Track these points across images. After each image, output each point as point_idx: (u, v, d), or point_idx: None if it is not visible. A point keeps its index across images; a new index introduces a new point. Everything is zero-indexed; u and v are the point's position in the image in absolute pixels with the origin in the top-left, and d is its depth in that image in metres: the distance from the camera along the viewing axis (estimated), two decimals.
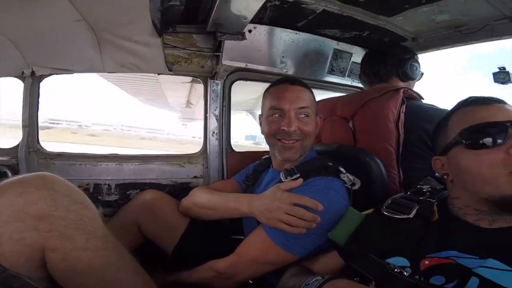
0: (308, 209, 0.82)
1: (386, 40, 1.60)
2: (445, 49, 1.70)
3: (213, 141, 1.53)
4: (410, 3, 1.25)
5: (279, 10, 1.36)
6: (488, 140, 0.61)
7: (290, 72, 1.60)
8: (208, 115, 1.53)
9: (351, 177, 0.93)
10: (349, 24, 1.47)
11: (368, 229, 0.76)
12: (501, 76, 1.73)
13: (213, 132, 1.53)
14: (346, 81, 1.78)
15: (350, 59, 1.69)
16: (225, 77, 1.53)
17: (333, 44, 1.64)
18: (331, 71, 1.69)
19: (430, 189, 0.79)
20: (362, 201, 0.89)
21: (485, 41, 1.60)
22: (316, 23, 1.48)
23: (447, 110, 0.78)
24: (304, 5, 1.31)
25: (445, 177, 0.72)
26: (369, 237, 0.74)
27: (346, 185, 0.93)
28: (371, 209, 0.82)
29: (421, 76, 1.32)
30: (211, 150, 1.53)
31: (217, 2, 1.10)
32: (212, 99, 1.51)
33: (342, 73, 1.72)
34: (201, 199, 1.07)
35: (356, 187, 0.93)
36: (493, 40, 1.54)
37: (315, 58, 1.62)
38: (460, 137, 0.66)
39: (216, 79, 1.50)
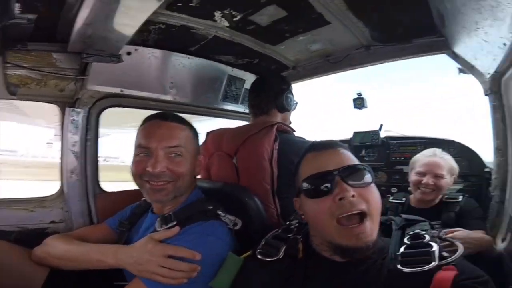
0: (186, 258, 0.76)
1: (273, 67, 1.68)
2: (317, 77, 1.87)
3: (73, 182, 1.28)
4: (290, 32, 1.36)
5: (165, 33, 1.25)
6: (321, 189, 0.66)
7: (180, 99, 1.49)
8: (63, 151, 1.26)
9: (231, 217, 0.90)
10: (241, 50, 1.50)
11: (247, 274, 0.76)
12: (358, 102, 2.05)
13: (72, 172, 1.26)
14: (240, 108, 1.79)
15: (243, 86, 1.71)
16: (92, 104, 1.30)
17: (227, 70, 1.63)
18: (225, 98, 1.67)
19: (297, 224, 0.82)
20: (246, 240, 0.89)
21: (348, 70, 1.79)
22: (209, 49, 1.44)
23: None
24: (193, 30, 1.26)
25: (302, 216, 0.76)
26: (247, 282, 0.74)
27: (228, 226, 0.89)
28: (249, 251, 0.81)
29: (296, 106, 1.39)
30: (70, 192, 1.29)
31: (78, 19, 0.90)
32: (70, 131, 1.23)
33: (235, 100, 1.72)
34: (57, 250, 0.91)
35: (238, 227, 0.91)
36: (354, 68, 1.76)
37: (208, 84, 1.57)
38: (302, 185, 0.71)
39: (78, 107, 1.25)
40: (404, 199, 1.60)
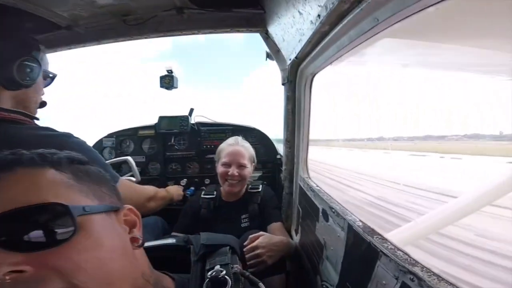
0: None
1: (29, 26, 1.09)
2: (108, 43, 1.41)
3: None
4: None
5: None
6: None
7: None
8: None
9: None
10: None
11: None
12: (166, 81, 1.79)
13: None
14: None
15: None
16: None
17: None
18: None
19: None
20: None
21: (153, 36, 1.39)
22: None
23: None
24: None
25: None
26: None
27: None
28: None
29: (52, 80, 0.98)
30: None
31: None
32: None
33: None
34: None
35: None
36: (161, 36, 1.38)
37: None
38: None
39: None
40: (215, 192, 1.51)
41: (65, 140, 0.83)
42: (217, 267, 0.63)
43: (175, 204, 1.92)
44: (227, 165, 1.40)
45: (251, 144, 1.94)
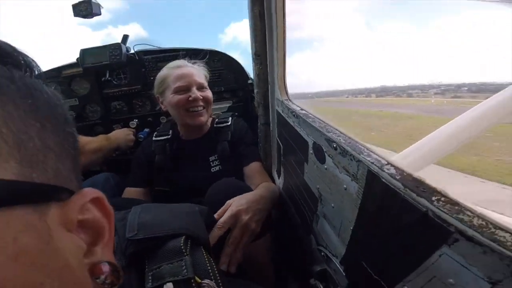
0: None
1: None
2: None
3: None
4: None
5: None
6: None
7: None
8: None
9: None
10: None
11: None
12: (82, 8, 1.39)
13: None
14: None
15: None
16: None
17: None
18: None
19: None
20: None
21: None
22: None
23: None
24: None
25: None
26: None
27: None
28: None
29: None
30: None
31: None
32: None
33: None
34: None
35: None
36: None
37: None
38: None
39: None
40: (170, 131, 1.16)
41: None
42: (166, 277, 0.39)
43: (128, 152, 1.60)
44: (184, 90, 1.02)
45: (216, 70, 1.50)
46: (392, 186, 0.32)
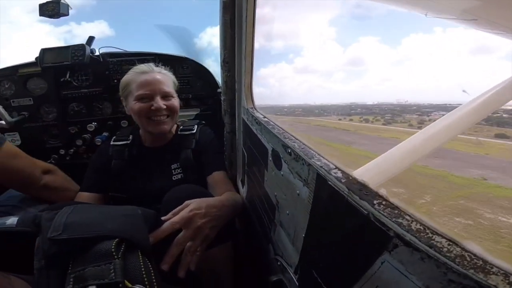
0: None
1: None
2: None
3: None
4: None
5: None
6: None
7: None
8: None
9: None
10: None
11: None
12: (49, 7, 1.35)
13: None
14: None
15: None
16: None
17: None
18: None
19: None
20: None
21: None
22: None
23: None
24: None
25: None
26: None
27: None
28: None
29: None
30: None
31: None
32: None
33: None
34: None
35: None
36: None
37: None
38: None
39: None
40: (131, 136, 1.09)
41: None
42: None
43: (85, 156, 1.48)
44: (147, 97, 0.97)
45: (184, 77, 1.47)
46: (337, 189, 0.30)
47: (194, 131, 1.08)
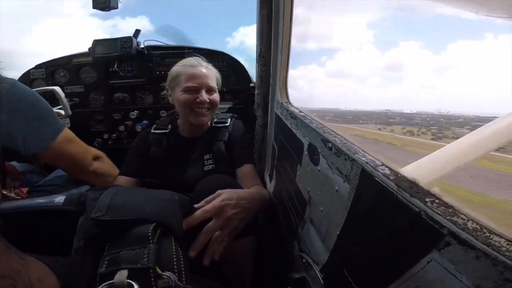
0: None
1: None
2: None
3: None
4: None
5: None
6: None
7: None
8: None
9: None
10: None
11: None
12: (101, 1, 1.40)
13: None
14: None
15: None
16: None
17: None
18: None
19: None
20: None
21: None
22: None
23: None
24: None
25: None
26: None
27: None
28: None
29: None
30: None
31: None
32: None
33: None
34: None
35: None
36: None
37: None
38: None
39: None
40: (170, 126, 1.15)
41: (3, 91, 0.71)
42: (121, 275, 0.36)
43: (125, 142, 1.60)
44: (193, 90, 1.03)
45: (220, 71, 1.51)
46: (385, 185, 0.30)
47: (228, 124, 1.11)
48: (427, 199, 0.25)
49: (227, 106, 1.50)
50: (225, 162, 1.05)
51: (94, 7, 1.45)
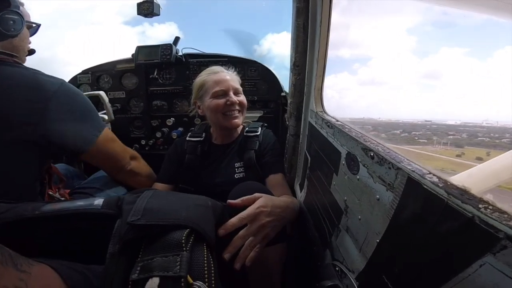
0: None
1: None
2: None
3: None
4: None
5: None
6: None
7: None
8: None
9: None
10: None
11: None
12: (144, 7, 1.50)
13: None
14: None
15: None
16: None
17: None
18: None
19: None
20: None
21: None
22: None
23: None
24: None
25: None
26: None
27: None
28: None
29: (37, 29, 0.98)
30: None
31: None
32: None
33: None
34: None
35: None
36: None
37: None
38: None
39: None
40: (204, 134, 1.21)
41: (53, 88, 0.81)
42: (152, 282, 0.36)
43: (161, 148, 1.68)
44: (223, 93, 1.08)
45: (252, 79, 1.58)
46: (435, 193, 0.31)
47: (258, 133, 1.15)
48: (480, 205, 0.26)
49: (258, 115, 1.55)
50: (255, 170, 1.07)
51: (139, 13, 1.54)
